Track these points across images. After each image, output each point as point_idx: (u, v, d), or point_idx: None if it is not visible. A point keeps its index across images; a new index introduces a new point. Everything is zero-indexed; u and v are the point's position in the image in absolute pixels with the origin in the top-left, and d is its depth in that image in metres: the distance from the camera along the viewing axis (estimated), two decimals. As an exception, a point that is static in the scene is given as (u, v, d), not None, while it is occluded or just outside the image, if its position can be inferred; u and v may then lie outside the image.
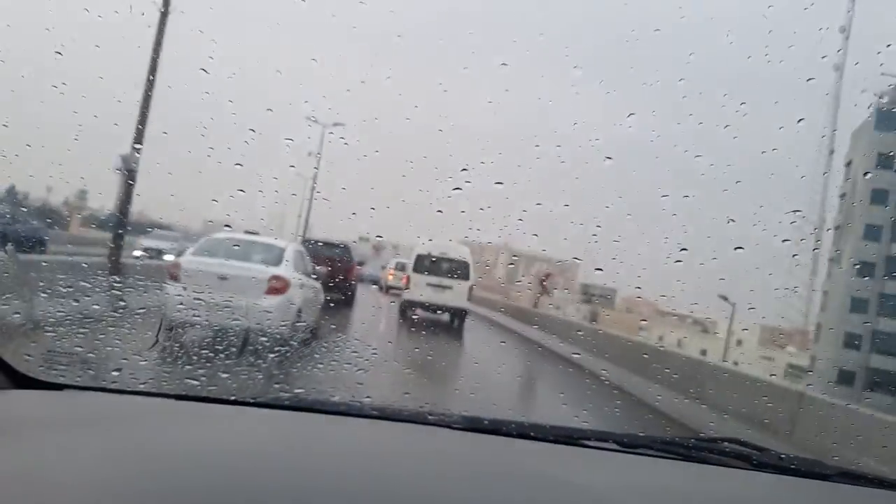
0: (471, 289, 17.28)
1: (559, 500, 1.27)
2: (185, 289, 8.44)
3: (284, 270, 9.12)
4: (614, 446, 1.68)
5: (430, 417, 1.71)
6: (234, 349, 7.72)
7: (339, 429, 1.62)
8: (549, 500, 1.25)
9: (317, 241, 16.95)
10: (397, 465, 1.36)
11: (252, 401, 1.75)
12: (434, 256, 17.21)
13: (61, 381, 1.64)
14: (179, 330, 8.23)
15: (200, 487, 1.10)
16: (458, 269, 17.10)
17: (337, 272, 14.17)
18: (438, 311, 17.42)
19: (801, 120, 7.35)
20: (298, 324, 9.17)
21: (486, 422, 1.71)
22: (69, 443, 1.22)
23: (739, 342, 39.15)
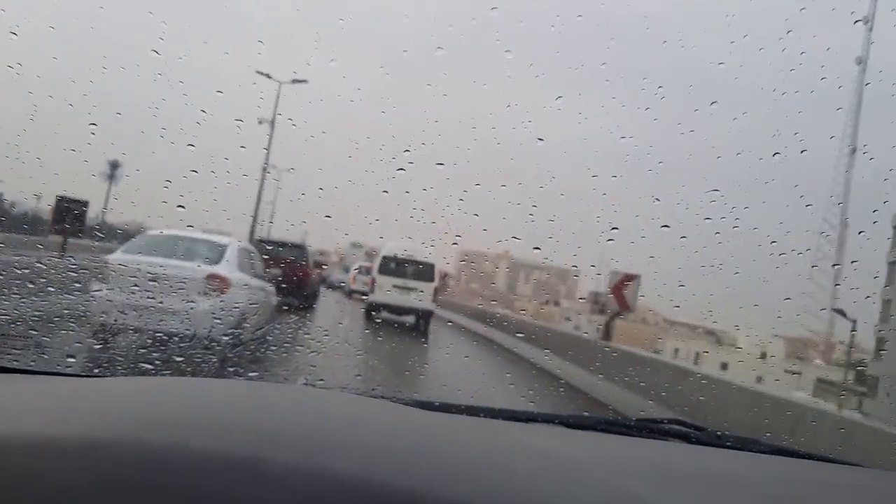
0: (436, 290, 17.27)
1: (505, 469, 1.17)
2: (112, 290, 7.65)
3: (225, 269, 8.25)
4: (560, 426, 1.76)
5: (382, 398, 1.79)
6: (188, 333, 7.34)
7: (290, 397, 1.53)
8: (496, 468, 1.16)
9: (270, 241, 16.32)
10: (347, 432, 1.19)
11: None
12: (400, 258, 17.49)
13: (14, 365, 1.57)
14: (108, 335, 7.51)
15: (154, 456, 0.93)
16: (424, 271, 17.12)
17: (291, 274, 13.42)
18: (403, 314, 17.37)
19: (713, 103, 7.78)
20: (241, 330, 8.29)
21: (436, 404, 1.78)
22: (23, 428, 1.06)
23: (763, 356, 37.33)
